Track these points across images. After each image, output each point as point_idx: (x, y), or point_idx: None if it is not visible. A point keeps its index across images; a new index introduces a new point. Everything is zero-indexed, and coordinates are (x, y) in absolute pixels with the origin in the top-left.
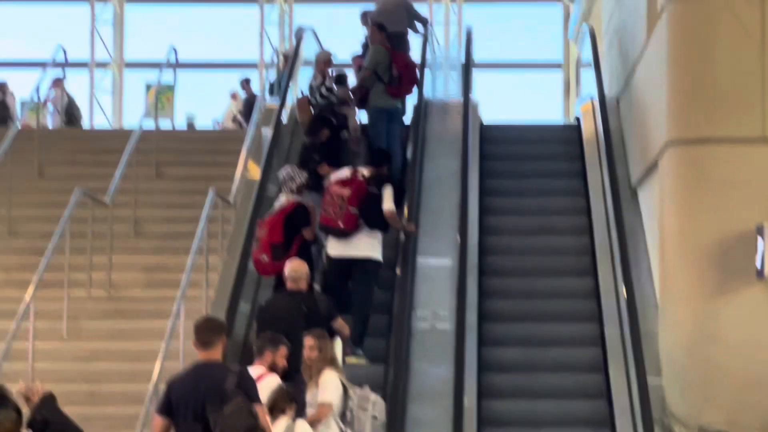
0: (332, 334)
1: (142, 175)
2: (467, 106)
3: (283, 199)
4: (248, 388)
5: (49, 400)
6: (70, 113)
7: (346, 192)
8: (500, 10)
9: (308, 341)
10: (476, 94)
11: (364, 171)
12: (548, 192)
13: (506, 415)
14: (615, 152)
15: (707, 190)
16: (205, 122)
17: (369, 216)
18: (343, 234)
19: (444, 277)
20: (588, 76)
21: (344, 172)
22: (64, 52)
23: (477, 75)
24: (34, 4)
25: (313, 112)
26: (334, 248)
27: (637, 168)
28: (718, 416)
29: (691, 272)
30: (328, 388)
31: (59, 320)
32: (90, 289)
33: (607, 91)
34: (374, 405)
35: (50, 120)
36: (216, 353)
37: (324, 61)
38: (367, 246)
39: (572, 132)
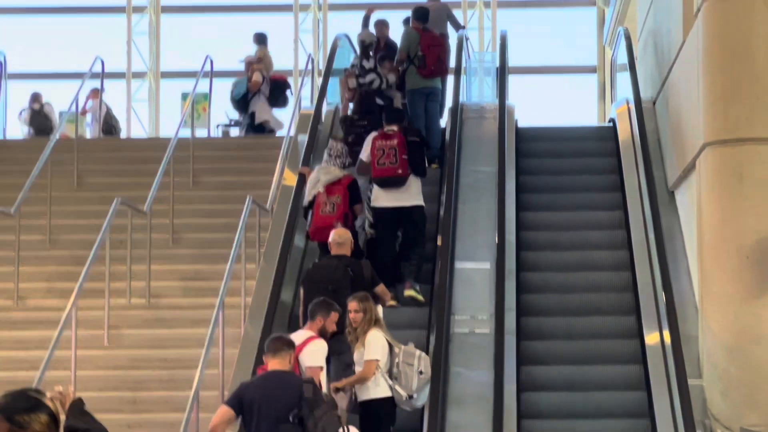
0: (375, 299)
1: (179, 183)
2: (503, 110)
3: (335, 171)
4: (326, 398)
5: (76, 406)
6: (108, 123)
7: (394, 142)
8: (534, 14)
9: (352, 304)
10: (512, 99)
11: (393, 127)
12: (584, 192)
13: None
14: (651, 154)
15: (746, 190)
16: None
17: (415, 162)
18: (401, 181)
19: (482, 280)
20: (623, 79)
21: (377, 133)
22: (102, 63)
23: (512, 79)
24: (72, 16)
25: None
26: (384, 199)
27: (674, 170)
28: (760, 418)
29: (731, 273)
30: (373, 346)
31: (100, 329)
32: (130, 297)
33: (643, 93)
34: (419, 360)
35: (88, 130)
36: (286, 364)
37: (372, 41)
38: (415, 193)
39: (608, 135)
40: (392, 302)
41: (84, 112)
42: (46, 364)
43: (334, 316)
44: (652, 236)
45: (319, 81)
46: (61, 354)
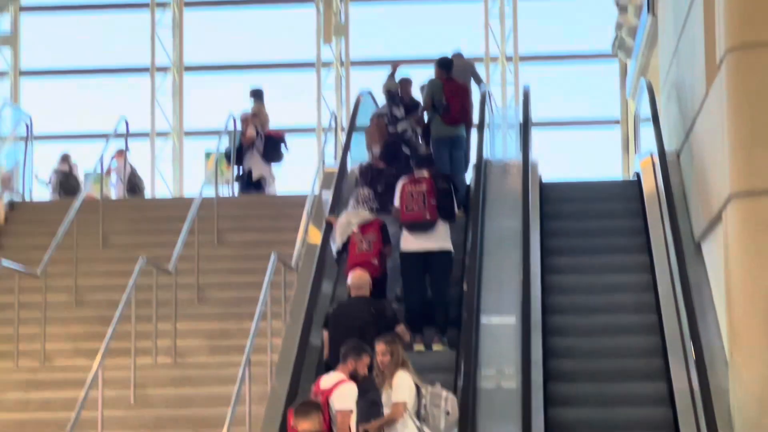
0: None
1: (203, 242)
2: (526, 164)
3: (365, 214)
4: None
5: None
6: (133, 183)
7: (423, 188)
8: (556, 69)
9: (380, 347)
10: (535, 153)
11: (423, 173)
12: (610, 248)
13: None
14: (677, 206)
15: None
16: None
17: (444, 207)
18: (429, 225)
19: (508, 335)
20: (647, 132)
21: (407, 178)
22: (126, 123)
23: (535, 133)
24: (96, 77)
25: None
26: (413, 243)
27: (700, 222)
28: None
29: (761, 325)
30: (401, 388)
31: (127, 388)
32: (156, 356)
33: (667, 145)
34: (446, 401)
35: (113, 190)
36: (316, 425)
37: (399, 88)
38: (443, 237)
39: (633, 188)
40: (419, 347)
41: (109, 172)
42: (73, 425)
43: (366, 359)
44: (679, 289)
45: (342, 138)
46: (88, 414)
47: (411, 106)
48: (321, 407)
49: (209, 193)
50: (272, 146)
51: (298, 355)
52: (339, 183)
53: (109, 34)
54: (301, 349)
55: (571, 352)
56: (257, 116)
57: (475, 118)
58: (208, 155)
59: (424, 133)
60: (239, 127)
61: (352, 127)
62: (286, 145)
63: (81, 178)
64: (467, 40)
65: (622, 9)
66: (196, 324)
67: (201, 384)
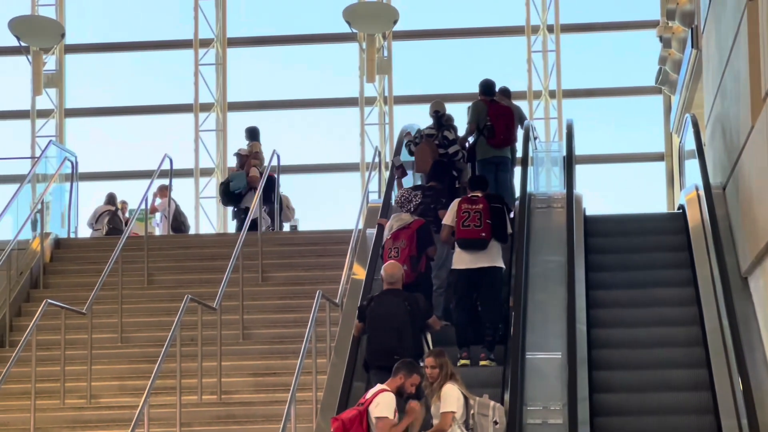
0: (425, 328)
1: (248, 279)
2: (570, 199)
3: (405, 217)
4: None
5: None
6: (177, 220)
7: (479, 207)
8: (600, 103)
9: (428, 360)
10: (579, 188)
11: (478, 193)
12: (656, 282)
13: None
14: (723, 240)
15: None
16: (308, 225)
17: (498, 227)
18: (484, 244)
19: (554, 371)
20: (692, 166)
21: (462, 198)
22: (170, 161)
23: (579, 168)
24: (140, 115)
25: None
26: (465, 262)
27: (746, 256)
28: None
29: None
30: (449, 398)
31: (172, 426)
32: (201, 394)
33: (712, 179)
34: (494, 410)
35: (158, 228)
36: None
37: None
38: (496, 255)
39: (678, 222)
40: (465, 362)
41: (153, 210)
42: None
43: (416, 378)
44: (726, 323)
45: (385, 174)
46: None
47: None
48: None
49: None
50: (270, 188)
51: (343, 393)
52: (377, 245)
53: (153, 73)
54: (345, 386)
55: (617, 386)
56: (257, 156)
57: (519, 152)
58: None
59: (469, 156)
60: (231, 162)
61: (387, 199)
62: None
63: (126, 216)
64: (510, 75)
65: (666, 43)
66: (241, 361)
67: (246, 421)
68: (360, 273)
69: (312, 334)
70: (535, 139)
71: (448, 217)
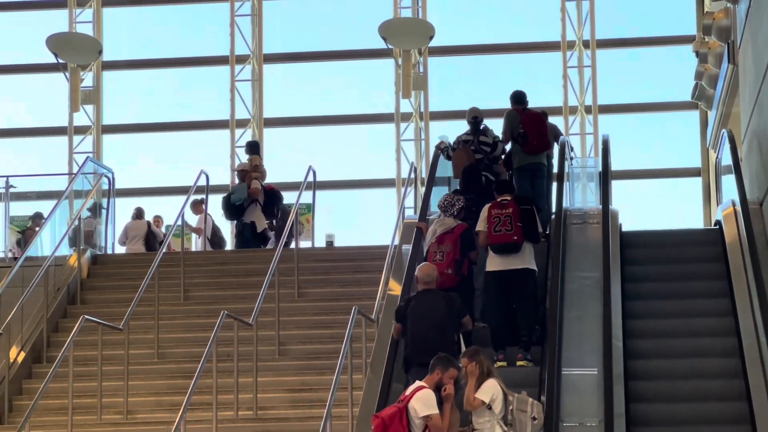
0: (460, 327)
1: (284, 295)
2: (606, 214)
3: (449, 222)
4: None
5: None
6: (216, 236)
7: (509, 210)
8: (636, 119)
9: (464, 362)
10: (615, 203)
11: (506, 196)
12: (692, 296)
13: None
14: (760, 256)
15: None
16: (344, 241)
17: (529, 229)
18: (517, 247)
19: (590, 387)
20: (728, 181)
21: (491, 203)
22: (206, 177)
23: (615, 184)
24: (177, 131)
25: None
26: (498, 264)
27: None
28: None
29: None
30: (484, 389)
31: None
32: (237, 409)
33: (749, 194)
34: (532, 407)
35: (194, 244)
36: None
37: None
38: (528, 257)
39: (714, 237)
40: (502, 364)
41: (198, 231)
42: None
43: (452, 372)
44: (763, 339)
45: (421, 190)
46: None
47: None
48: None
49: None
50: (271, 201)
51: (379, 408)
52: (419, 236)
53: (189, 89)
54: (381, 402)
55: (653, 396)
56: (258, 169)
57: (554, 167)
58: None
59: (506, 166)
60: (236, 179)
61: (431, 179)
62: (280, 201)
63: (162, 231)
64: (546, 90)
65: (702, 58)
66: (276, 377)
67: None
68: (396, 289)
69: (348, 350)
70: (571, 158)
71: (480, 224)
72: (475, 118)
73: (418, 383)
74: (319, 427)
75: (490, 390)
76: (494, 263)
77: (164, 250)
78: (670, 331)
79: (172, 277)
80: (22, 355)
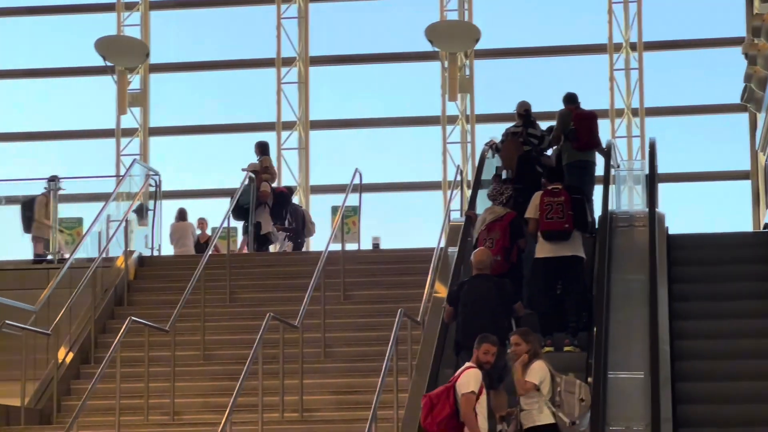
0: (512, 312)
1: (330, 297)
2: (653, 217)
3: (498, 210)
4: None
5: None
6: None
7: (561, 199)
8: (684, 121)
9: (515, 338)
10: (662, 206)
11: (557, 185)
12: (740, 297)
13: None
14: None
15: None
16: (390, 243)
17: (579, 217)
18: (567, 235)
19: (637, 390)
20: None
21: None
22: (252, 179)
23: (662, 187)
24: (222, 135)
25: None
26: (548, 251)
27: None
28: None
29: None
30: (533, 371)
31: None
32: (283, 411)
33: None
34: (580, 389)
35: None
36: None
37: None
38: (578, 245)
39: (763, 240)
40: (549, 349)
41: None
42: None
43: (486, 347)
44: None
45: (467, 192)
46: None
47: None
48: None
49: (335, 248)
50: (280, 203)
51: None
52: (464, 238)
53: (235, 92)
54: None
55: (700, 398)
56: (268, 171)
57: (600, 170)
58: (334, 210)
59: (556, 163)
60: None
61: (477, 182)
62: (289, 204)
63: (207, 233)
64: (592, 93)
65: (751, 60)
66: (322, 379)
67: None
68: (442, 291)
69: (393, 352)
70: (617, 166)
71: (531, 210)
72: (526, 110)
73: (467, 364)
74: (365, 430)
75: (539, 372)
76: (544, 250)
77: (209, 252)
78: (717, 333)
79: (218, 279)
80: (71, 355)
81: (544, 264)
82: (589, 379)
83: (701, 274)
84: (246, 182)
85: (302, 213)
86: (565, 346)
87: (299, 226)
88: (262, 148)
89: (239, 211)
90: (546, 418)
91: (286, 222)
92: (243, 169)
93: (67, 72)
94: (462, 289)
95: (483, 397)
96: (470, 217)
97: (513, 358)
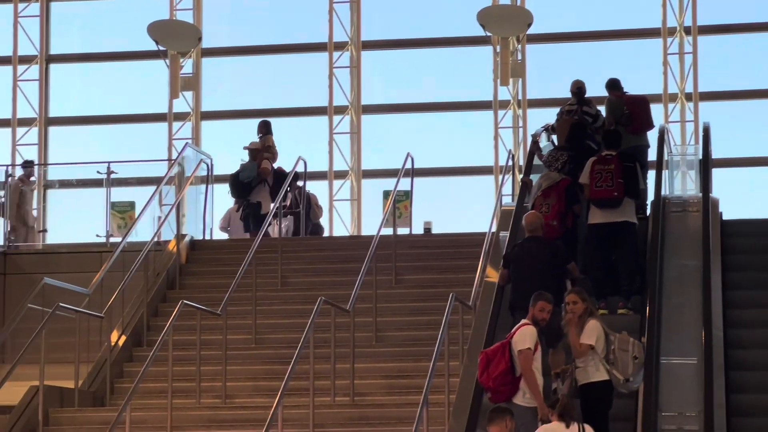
0: (565, 274)
1: (381, 281)
2: (707, 202)
3: (554, 176)
4: None
5: None
6: (312, 223)
7: (611, 167)
8: (738, 106)
9: (570, 297)
10: (716, 191)
11: (611, 151)
12: None
13: None
14: None
15: None
16: (441, 228)
17: (630, 185)
18: (617, 202)
19: (690, 376)
20: None
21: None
22: (304, 163)
23: (716, 172)
24: (274, 120)
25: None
26: (600, 217)
27: None
28: None
29: None
30: (588, 331)
31: (306, 427)
32: (334, 395)
33: None
34: (634, 346)
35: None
36: (502, 429)
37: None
38: (629, 212)
39: None
40: (603, 311)
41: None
42: None
43: (541, 305)
44: None
45: (519, 177)
46: None
47: None
48: (508, 410)
49: (387, 232)
50: (280, 183)
51: (476, 396)
52: (516, 223)
53: (287, 76)
54: (478, 390)
55: (754, 387)
56: (269, 150)
57: (653, 154)
58: (386, 195)
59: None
60: (247, 157)
61: (529, 166)
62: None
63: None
64: (645, 77)
65: None
66: (373, 363)
67: (379, 423)
68: (493, 276)
69: (445, 337)
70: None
71: (584, 177)
72: (579, 88)
73: (522, 321)
74: (416, 414)
75: (594, 331)
76: (596, 216)
77: (261, 237)
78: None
79: (269, 263)
80: (123, 338)
81: (596, 229)
82: (643, 339)
83: (755, 262)
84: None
85: (309, 196)
86: (619, 309)
87: (306, 209)
88: (265, 127)
89: (239, 187)
90: (601, 375)
91: (291, 204)
92: (245, 147)
93: (119, 56)
94: (515, 251)
95: (538, 354)
96: (526, 183)
97: (569, 320)
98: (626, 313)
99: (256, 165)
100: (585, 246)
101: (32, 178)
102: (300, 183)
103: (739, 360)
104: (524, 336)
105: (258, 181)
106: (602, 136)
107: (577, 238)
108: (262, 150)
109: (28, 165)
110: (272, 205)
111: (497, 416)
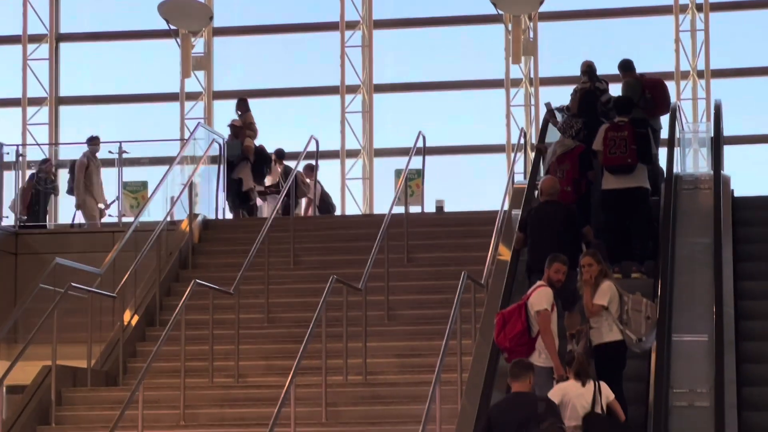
0: (580, 237)
1: (393, 260)
2: (718, 180)
3: (568, 142)
4: (555, 412)
5: None
6: (324, 202)
7: (624, 134)
8: (750, 83)
9: (585, 260)
10: (727, 169)
11: (623, 118)
12: None
13: None
14: None
15: None
16: (453, 206)
17: (642, 151)
18: (630, 168)
19: (701, 353)
20: None
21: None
22: (316, 143)
23: (728, 149)
24: (286, 99)
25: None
26: (613, 182)
27: None
28: None
29: None
30: (601, 292)
31: (318, 406)
32: (346, 374)
33: None
34: (647, 307)
35: (302, 210)
36: (526, 385)
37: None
38: (641, 177)
39: None
40: (617, 275)
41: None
42: None
43: (556, 266)
44: None
45: (531, 155)
46: (280, 431)
47: None
48: (531, 366)
49: (399, 210)
50: (261, 161)
51: (488, 375)
52: (528, 201)
53: (299, 55)
54: (490, 368)
55: (764, 357)
56: (251, 127)
57: (665, 133)
58: (398, 173)
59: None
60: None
61: (543, 133)
62: (269, 162)
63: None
64: (657, 55)
65: None
66: (386, 342)
67: (391, 402)
68: (505, 254)
69: (457, 315)
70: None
71: (597, 143)
72: (589, 66)
73: (538, 282)
74: (428, 393)
75: (607, 292)
76: (609, 182)
77: (273, 215)
78: None
79: (281, 242)
80: (136, 318)
81: (609, 195)
82: (656, 300)
83: (766, 235)
84: (230, 139)
85: (296, 174)
86: (632, 273)
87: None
88: (244, 105)
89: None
90: (614, 335)
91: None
92: (228, 125)
93: (130, 35)
94: (531, 214)
95: (554, 315)
96: (541, 149)
97: (584, 283)
98: (639, 277)
99: (240, 143)
100: (599, 211)
101: (98, 155)
102: (286, 162)
103: (750, 330)
104: (541, 297)
105: (240, 158)
106: (613, 103)
107: (591, 204)
108: (244, 127)
109: (94, 141)
110: (252, 182)
111: (521, 372)
